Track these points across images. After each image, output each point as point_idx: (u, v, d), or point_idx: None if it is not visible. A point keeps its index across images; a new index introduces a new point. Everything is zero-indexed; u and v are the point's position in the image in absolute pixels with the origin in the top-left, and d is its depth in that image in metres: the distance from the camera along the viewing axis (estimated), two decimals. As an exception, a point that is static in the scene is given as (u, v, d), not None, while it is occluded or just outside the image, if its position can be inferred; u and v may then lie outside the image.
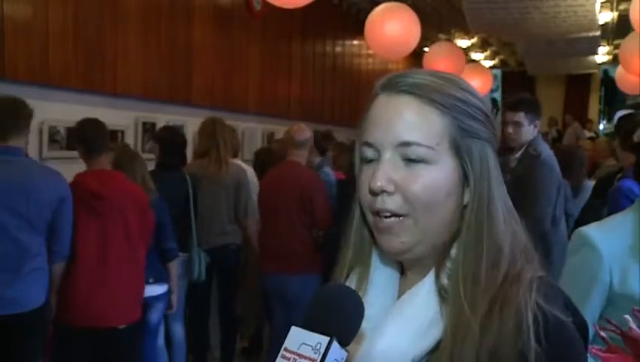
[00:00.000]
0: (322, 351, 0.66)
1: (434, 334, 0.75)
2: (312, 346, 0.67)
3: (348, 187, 4.34)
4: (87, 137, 3.03)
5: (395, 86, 0.80)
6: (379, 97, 0.82)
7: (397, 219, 0.78)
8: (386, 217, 0.78)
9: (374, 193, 0.78)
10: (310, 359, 0.66)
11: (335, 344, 0.67)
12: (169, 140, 3.79)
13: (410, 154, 0.77)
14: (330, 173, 4.39)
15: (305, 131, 3.76)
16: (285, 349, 0.68)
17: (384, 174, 0.77)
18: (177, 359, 3.75)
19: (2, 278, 2.63)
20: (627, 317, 1.08)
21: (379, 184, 0.77)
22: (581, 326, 0.77)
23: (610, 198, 2.87)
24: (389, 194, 0.78)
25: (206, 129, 3.92)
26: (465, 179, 0.79)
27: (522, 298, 0.73)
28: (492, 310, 0.73)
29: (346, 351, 0.69)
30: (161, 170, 3.70)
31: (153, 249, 3.27)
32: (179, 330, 3.74)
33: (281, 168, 3.77)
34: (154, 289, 3.33)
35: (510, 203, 0.82)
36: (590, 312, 1.41)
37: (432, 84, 0.79)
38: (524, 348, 0.70)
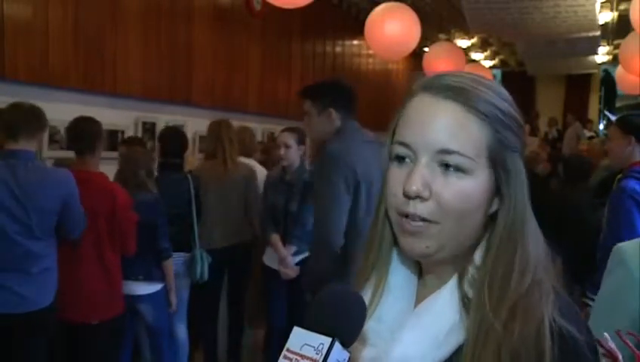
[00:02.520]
0: (324, 351, 0.66)
1: (452, 342, 0.75)
2: (314, 347, 0.67)
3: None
4: (72, 137, 3.10)
5: (437, 88, 0.78)
6: (418, 97, 0.80)
7: (425, 223, 0.77)
8: (414, 220, 0.77)
9: (409, 196, 0.76)
10: (312, 360, 0.66)
11: (337, 345, 0.67)
12: (171, 140, 3.81)
13: (449, 163, 0.76)
14: None
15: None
16: (287, 350, 0.68)
17: (421, 178, 0.75)
18: (180, 359, 3.75)
19: (10, 278, 2.63)
20: (606, 334, 1.04)
21: (414, 188, 0.75)
22: (593, 346, 0.76)
23: (614, 199, 2.80)
24: (423, 199, 0.76)
25: (212, 131, 3.99)
26: (496, 190, 0.79)
27: (543, 306, 0.73)
28: (515, 313, 0.73)
29: (349, 351, 0.69)
30: (162, 169, 3.73)
31: (146, 247, 3.28)
32: (182, 330, 3.76)
33: None
34: (143, 289, 3.35)
35: (533, 216, 0.81)
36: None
37: (474, 91, 0.77)
38: (540, 358, 0.70)
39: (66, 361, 3.08)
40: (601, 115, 13.54)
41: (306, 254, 3.57)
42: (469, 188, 0.76)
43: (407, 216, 0.77)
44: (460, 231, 0.77)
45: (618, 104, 13.31)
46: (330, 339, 0.67)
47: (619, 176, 3.02)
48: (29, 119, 2.73)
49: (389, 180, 0.80)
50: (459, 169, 0.76)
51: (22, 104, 2.79)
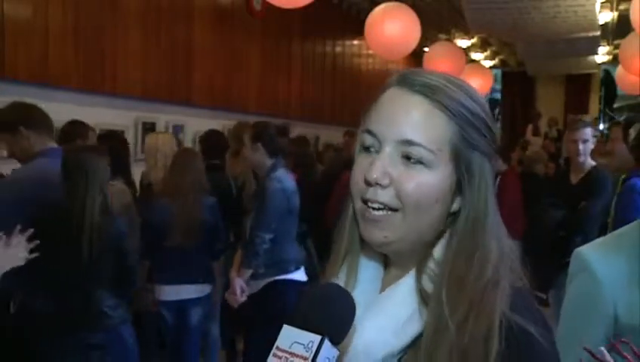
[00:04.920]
0: (314, 349, 0.66)
1: (410, 332, 0.77)
2: (304, 344, 0.67)
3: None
4: None
5: (409, 83, 0.80)
6: (391, 90, 0.82)
7: (386, 212, 0.79)
8: (374, 209, 0.79)
9: (369, 183, 0.79)
10: (302, 357, 0.66)
11: (327, 342, 0.68)
12: (212, 143, 3.93)
13: (411, 154, 0.78)
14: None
15: None
16: (277, 348, 0.68)
17: (382, 167, 0.78)
18: (212, 356, 3.81)
19: None
20: (602, 349, 1.04)
21: (375, 176, 0.77)
22: (547, 336, 0.76)
23: (623, 198, 2.88)
24: (383, 187, 0.78)
25: (233, 131, 4.13)
26: (457, 187, 0.80)
27: (496, 305, 0.75)
28: (469, 313, 0.75)
29: (338, 349, 0.70)
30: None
31: (204, 249, 3.32)
32: (214, 328, 3.80)
33: None
34: (201, 290, 3.35)
35: (499, 215, 0.83)
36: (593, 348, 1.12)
37: (444, 89, 0.79)
38: (487, 354, 0.72)
39: None
40: (602, 115, 13.54)
41: (267, 280, 3.21)
42: (428, 181, 0.78)
43: (368, 202, 0.79)
44: (418, 224, 0.79)
45: (618, 104, 13.30)
46: (319, 337, 0.67)
47: (623, 176, 3.06)
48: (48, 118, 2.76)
49: (354, 169, 0.83)
50: (420, 162, 0.78)
51: (29, 104, 2.80)
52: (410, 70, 0.83)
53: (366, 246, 0.87)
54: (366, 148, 0.82)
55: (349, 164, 3.91)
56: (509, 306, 0.75)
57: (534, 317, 0.77)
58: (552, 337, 0.78)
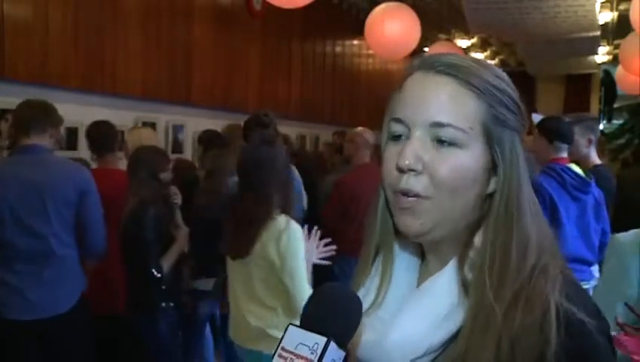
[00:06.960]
0: (319, 351, 0.66)
1: (450, 325, 0.74)
2: (309, 346, 0.66)
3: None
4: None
5: (433, 65, 0.78)
6: (414, 75, 0.80)
7: (419, 199, 0.76)
8: (408, 196, 0.77)
9: (401, 170, 0.76)
10: (307, 359, 0.66)
11: (332, 344, 0.67)
12: (211, 142, 3.97)
13: (442, 136, 0.75)
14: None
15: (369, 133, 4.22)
16: (282, 348, 0.67)
17: (413, 152, 0.75)
18: (207, 351, 3.82)
19: (31, 280, 2.62)
20: None
21: (407, 162, 0.75)
22: (604, 330, 0.73)
23: None
24: (416, 174, 0.76)
25: (224, 132, 4.25)
26: (492, 167, 0.78)
27: (549, 293, 0.71)
28: (518, 300, 0.72)
29: (344, 351, 0.69)
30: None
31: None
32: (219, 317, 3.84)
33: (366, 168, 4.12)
34: (205, 284, 3.42)
35: (534, 195, 0.81)
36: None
37: (469, 68, 0.78)
38: (545, 343, 0.68)
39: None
40: (602, 115, 13.54)
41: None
42: (462, 161, 0.75)
43: (401, 192, 0.77)
44: (454, 207, 0.76)
45: (618, 104, 13.30)
46: (325, 339, 0.66)
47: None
48: (39, 115, 2.73)
49: (384, 159, 0.80)
50: (453, 142, 0.75)
51: (32, 101, 2.81)
52: (432, 54, 0.81)
53: (400, 239, 0.84)
54: (394, 138, 0.79)
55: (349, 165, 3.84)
56: (565, 297, 0.71)
57: (588, 306, 0.73)
58: (608, 331, 0.74)
